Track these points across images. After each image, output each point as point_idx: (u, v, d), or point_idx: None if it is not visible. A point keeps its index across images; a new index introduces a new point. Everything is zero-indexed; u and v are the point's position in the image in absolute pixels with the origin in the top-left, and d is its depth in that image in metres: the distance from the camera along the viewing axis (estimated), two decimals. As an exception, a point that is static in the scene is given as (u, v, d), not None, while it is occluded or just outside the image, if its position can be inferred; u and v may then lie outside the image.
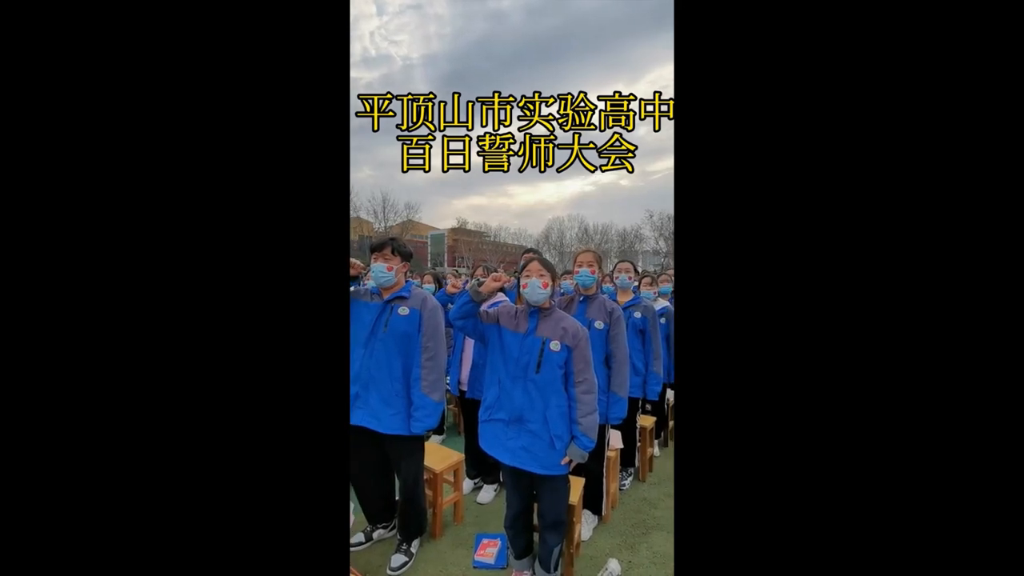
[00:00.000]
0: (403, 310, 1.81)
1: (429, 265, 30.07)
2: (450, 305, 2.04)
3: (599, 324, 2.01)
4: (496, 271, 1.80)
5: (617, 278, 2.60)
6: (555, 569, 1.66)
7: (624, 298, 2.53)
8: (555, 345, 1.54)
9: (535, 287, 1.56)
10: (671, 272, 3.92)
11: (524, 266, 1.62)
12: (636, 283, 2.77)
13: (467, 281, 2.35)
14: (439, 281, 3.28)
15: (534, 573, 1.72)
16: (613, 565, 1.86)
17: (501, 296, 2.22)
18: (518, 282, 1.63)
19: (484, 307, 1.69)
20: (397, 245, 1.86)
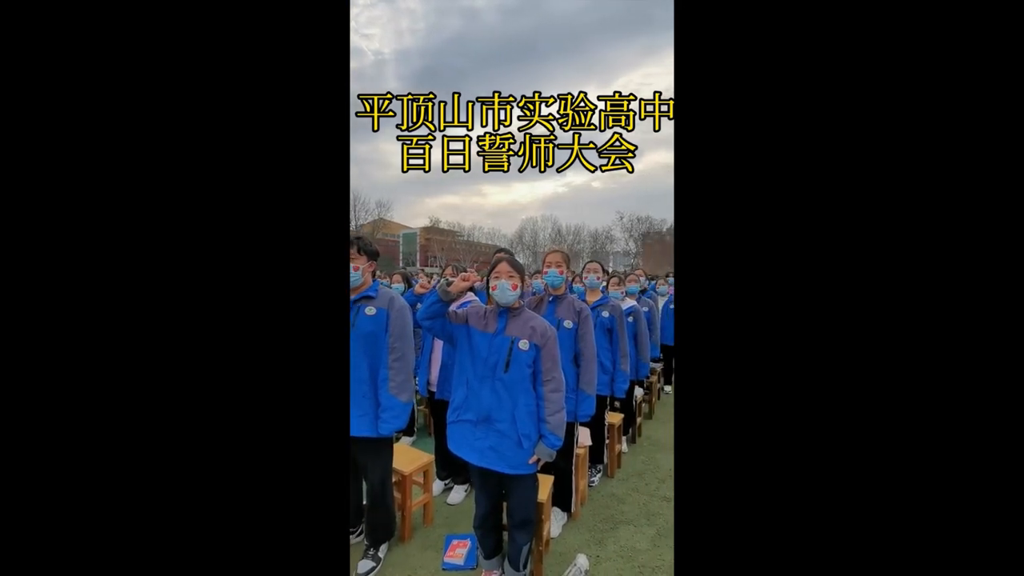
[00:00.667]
0: (370, 310, 1.78)
1: (401, 264, 29.62)
2: (419, 305, 2.01)
3: (568, 323, 2.04)
4: (466, 271, 1.79)
5: (586, 278, 2.64)
6: (524, 567, 1.67)
7: (593, 298, 2.58)
8: (524, 344, 1.55)
9: (504, 289, 1.56)
10: (639, 272, 4.03)
11: (493, 267, 1.61)
12: (604, 283, 2.83)
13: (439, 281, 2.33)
14: (408, 281, 3.24)
15: (503, 572, 1.73)
16: (581, 560, 1.88)
17: (471, 296, 2.21)
18: (487, 282, 1.63)
19: (454, 307, 1.68)
20: (363, 244, 1.82)
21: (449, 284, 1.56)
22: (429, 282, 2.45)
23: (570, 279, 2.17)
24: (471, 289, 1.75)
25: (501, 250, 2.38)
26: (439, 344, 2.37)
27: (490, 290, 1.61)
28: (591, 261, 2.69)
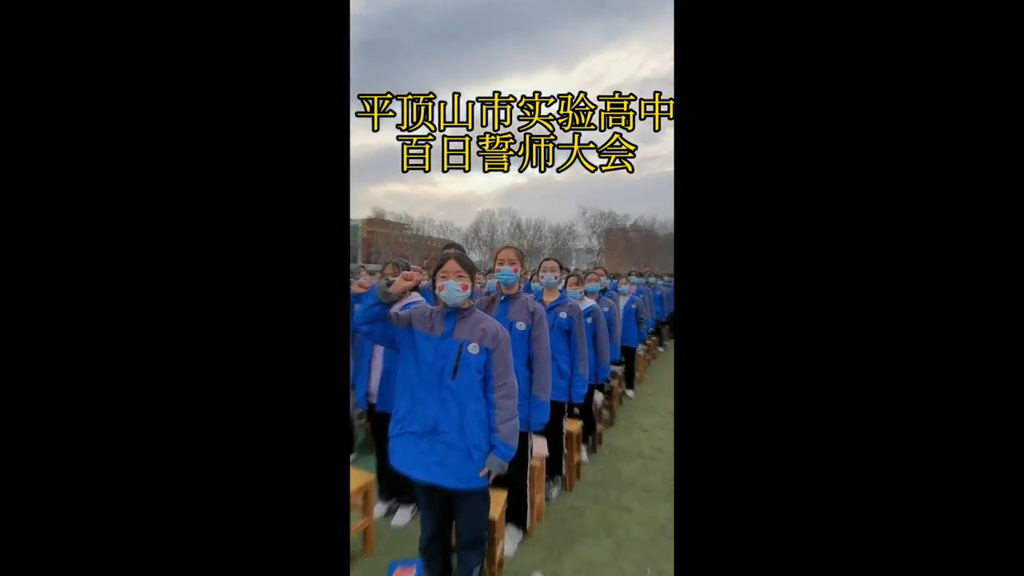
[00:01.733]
0: (297, 312, 1.57)
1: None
2: (356, 307, 1.81)
3: (521, 325, 1.91)
4: (409, 268, 1.62)
5: (542, 277, 2.52)
6: (474, 592, 1.51)
7: (550, 297, 2.46)
8: (473, 348, 1.43)
9: (452, 289, 1.42)
10: (599, 271, 3.95)
11: (441, 265, 1.46)
12: (562, 282, 2.72)
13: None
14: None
15: (451, 599, 1.57)
16: (537, 580, 1.75)
17: (416, 296, 2.02)
18: (434, 282, 1.47)
19: (396, 308, 1.51)
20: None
21: (389, 284, 1.40)
22: (372, 280, 2.24)
23: (527, 277, 2.04)
24: (415, 288, 1.58)
25: (451, 245, 2.20)
26: (379, 350, 2.15)
27: (437, 290, 1.45)
28: (548, 259, 2.57)
